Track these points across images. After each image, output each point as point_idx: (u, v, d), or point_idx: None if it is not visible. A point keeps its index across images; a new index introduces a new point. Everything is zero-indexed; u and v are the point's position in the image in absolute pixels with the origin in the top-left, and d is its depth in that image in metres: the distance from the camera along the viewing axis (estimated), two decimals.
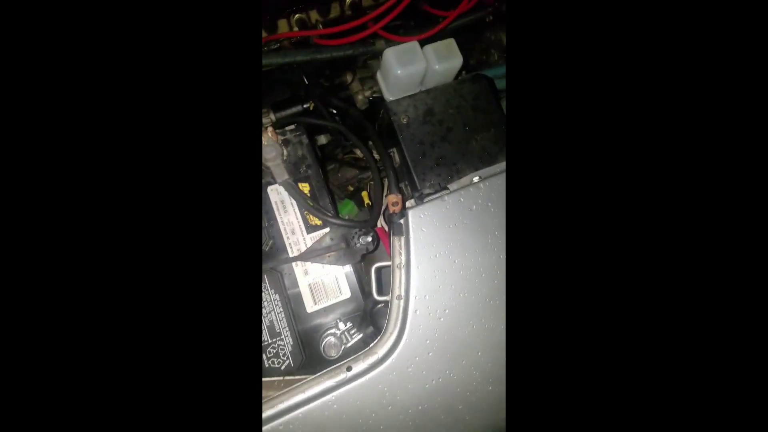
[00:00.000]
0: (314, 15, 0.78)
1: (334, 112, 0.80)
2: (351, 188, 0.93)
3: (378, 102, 0.84)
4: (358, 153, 0.92)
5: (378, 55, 0.85)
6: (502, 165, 0.65)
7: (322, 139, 0.89)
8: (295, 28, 0.76)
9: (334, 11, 0.81)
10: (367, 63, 0.92)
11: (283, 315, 0.62)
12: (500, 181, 0.57)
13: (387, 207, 0.58)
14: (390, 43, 0.77)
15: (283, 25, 0.75)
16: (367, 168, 0.79)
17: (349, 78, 0.92)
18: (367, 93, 0.88)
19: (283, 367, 0.61)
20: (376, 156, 0.71)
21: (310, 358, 0.61)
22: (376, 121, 0.76)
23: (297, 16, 0.76)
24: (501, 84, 0.82)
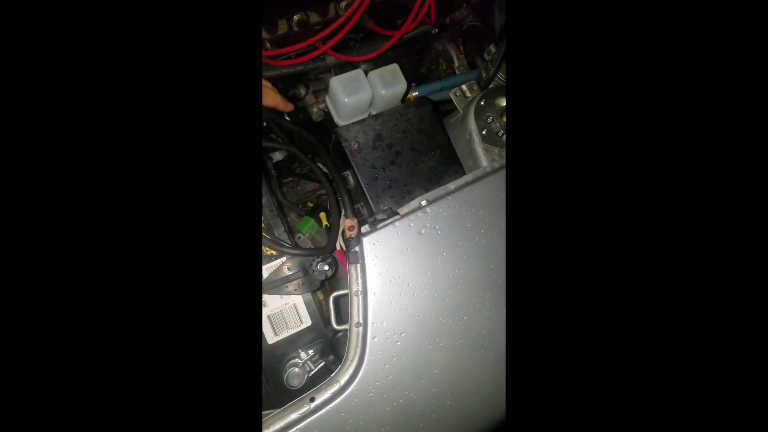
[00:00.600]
0: (263, 33, 0.78)
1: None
2: (311, 204, 0.93)
3: (330, 121, 0.85)
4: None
5: (329, 69, 0.87)
6: (449, 186, 0.68)
7: (278, 155, 0.89)
8: None
9: (282, 28, 0.82)
10: (319, 76, 0.93)
11: None
12: (445, 204, 0.60)
13: (343, 231, 0.59)
14: (339, 61, 0.79)
15: None
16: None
17: (302, 91, 0.93)
18: (322, 105, 0.89)
19: None
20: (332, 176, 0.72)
21: (275, 389, 0.62)
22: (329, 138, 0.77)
23: None
24: (445, 96, 0.85)
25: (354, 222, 0.59)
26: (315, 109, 0.92)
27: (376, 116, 0.72)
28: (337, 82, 0.69)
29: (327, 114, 0.87)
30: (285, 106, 0.74)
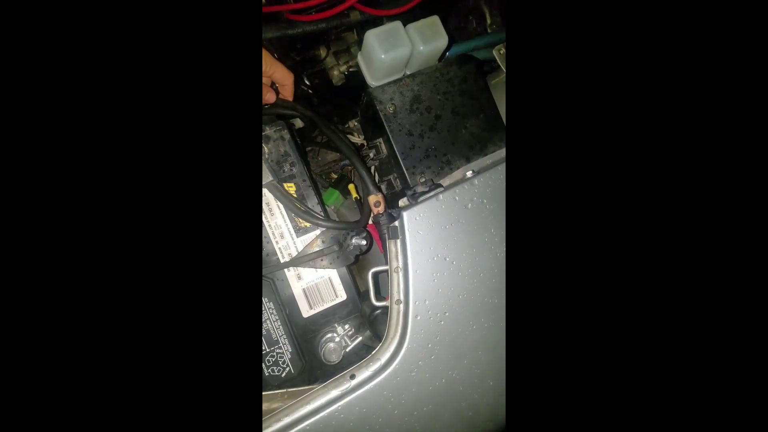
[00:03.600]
0: None
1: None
2: (334, 175, 0.89)
3: (354, 77, 0.78)
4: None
5: (353, 27, 0.78)
6: (494, 155, 0.63)
7: (298, 122, 0.84)
8: (264, 2, 0.68)
9: None
10: (341, 36, 0.85)
11: (279, 323, 0.60)
12: (494, 176, 0.55)
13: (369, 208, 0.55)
14: (366, 15, 0.71)
15: None
16: (367, 148, 0.74)
17: (323, 52, 0.86)
18: (343, 68, 0.82)
19: (283, 375, 0.60)
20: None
21: (311, 364, 0.61)
22: (358, 102, 0.71)
23: None
24: (481, 55, 0.77)
25: (379, 197, 0.55)
26: (335, 72, 0.84)
27: (413, 76, 0.66)
28: (373, 36, 0.62)
29: (349, 76, 0.80)
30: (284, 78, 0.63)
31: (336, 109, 0.90)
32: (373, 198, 0.57)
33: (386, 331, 0.53)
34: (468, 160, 0.64)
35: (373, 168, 0.78)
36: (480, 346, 0.53)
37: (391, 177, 0.71)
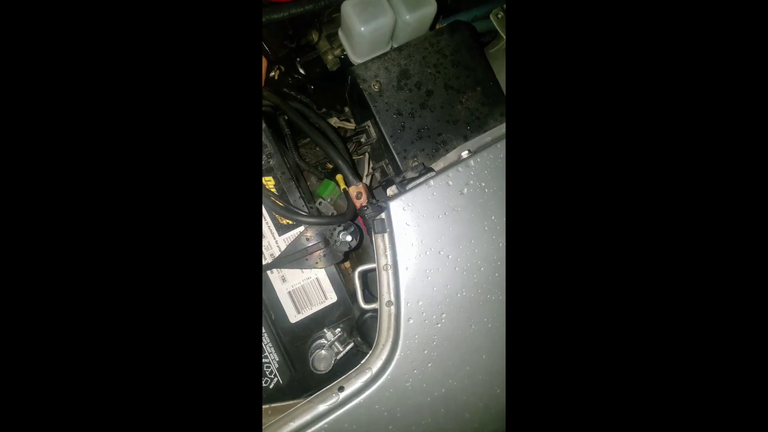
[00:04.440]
0: None
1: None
2: (330, 166, 0.83)
3: (349, 61, 0.72)
4: (335, 120, 0.81)
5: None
6: (494, 131, 0.55)
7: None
8: None
9: None
10: (333, 17, 0.79)
11: (264, 330, 0.55)
12: (493, 154, 0.48)
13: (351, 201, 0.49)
14: None
15: None
16: (363, 143, 0.68)
17: (315, 36, 0.79)
18: (337, 51, 0.76)
19: (271, 386, 0.55)
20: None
21: (302, 373, 0.56)
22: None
23: None
24: (482, 27, 0.69)
25: (360, 188, 0.49)
26: (330, 57, 0.78)
27: (400, 48, 0.59)
28: (350, 6, 0.55)
29: (345, 60, 0.74)
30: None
31: (334, 96, 0.84)
32: (354, 189, 0.51)
33: (376, 336, 0.47)
34: (466, 138, 0.57)
35: (366, 155, 0.71)
36: (483, 349, 0.47)
37: (383, 163, 0.64)
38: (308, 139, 0.82)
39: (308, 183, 0.80)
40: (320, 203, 0.72)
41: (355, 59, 0.61)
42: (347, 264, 0.67)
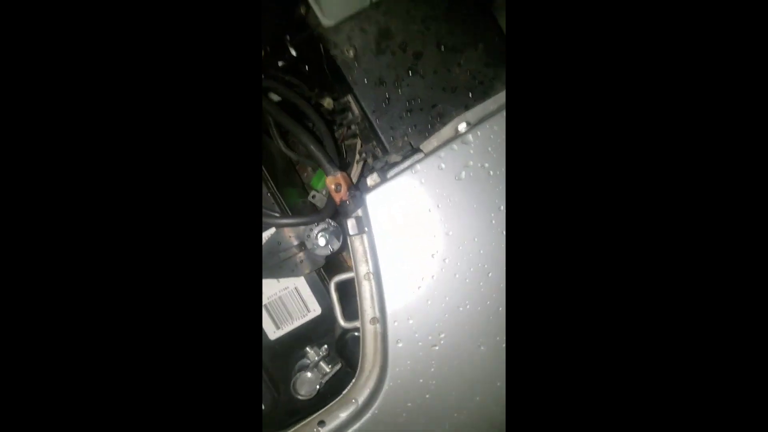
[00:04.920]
0: None
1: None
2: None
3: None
4: (328, 101, 0.72)
5: None
6: (500, 97, 0.44)
7: (274, 97, 0.70)
8: None
9: None
10: None
11: None
12: (498, 125, 0.37)
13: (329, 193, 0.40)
14: None
15: None
16: (349, 124, 0.59)
17: (303, 10, 0.70)
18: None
19: None
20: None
21: (286, 396, 0.48)
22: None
23: None
24: None
25: (338, 177, 0.39)
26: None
27: (377, 3, 0.48)
28: None
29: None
30: None
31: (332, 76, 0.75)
32: (331, 180, 0.42)
33: (360, 361, 0.38)
34: (467, 108, 0.46)
35: (358, 138, 0.62)
36: (496, 374, 0.37)
37: (370, 145, 0.54)
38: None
39: (304, 174, 0.72)
40: (314, 196, 0.64)
41: (326, 21, 0.51)
42: (345, 256, 0.58)
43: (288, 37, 0.73)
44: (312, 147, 0.44)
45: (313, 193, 0.64)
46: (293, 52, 0.75)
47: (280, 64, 0.72)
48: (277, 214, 0.46)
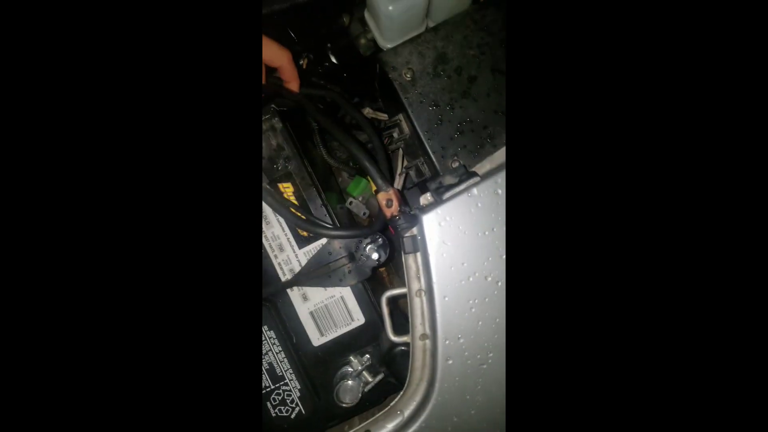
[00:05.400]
0: None
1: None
2: None
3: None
4: (368, 111, 0.74)
5: None
6: None
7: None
8: None
9: None
10: None
11: (283, 355, 0.50)
12: None
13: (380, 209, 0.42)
14: None
15: None
16: (386, 128, 0.61)
17: (346, 20, 0.72)
18: (370, 35, 0.68)
19: (293, 416, 0.50)
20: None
21: (326, 402, 0.50)
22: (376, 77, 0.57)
23: None
24: None
25: (390, 193, 0.41)
26: (362, 41, 0.71)
27: (436, 28, 0.49)
28: None
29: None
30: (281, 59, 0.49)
31: (369, 84, 0.77)
32: (383, 196, 0.43)
33: (408, 375, 0.39)
34: None
35: (400, 151, 0.63)
36: None
37: (418, 162, 0.56)
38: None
39: (339, 179, 0.74)
40: (351, 203, 0.65)
41: (384, 44, 0.53)
42: (384, 271, 0.60)
43: (329, 45, 0.76)
44: (366, 162, 0.46)
45: (350, 199, 0.65)
46: (334, 60, 0.78)
47: (320, 70, 0.75)
48: (329, 225, 0.48)
